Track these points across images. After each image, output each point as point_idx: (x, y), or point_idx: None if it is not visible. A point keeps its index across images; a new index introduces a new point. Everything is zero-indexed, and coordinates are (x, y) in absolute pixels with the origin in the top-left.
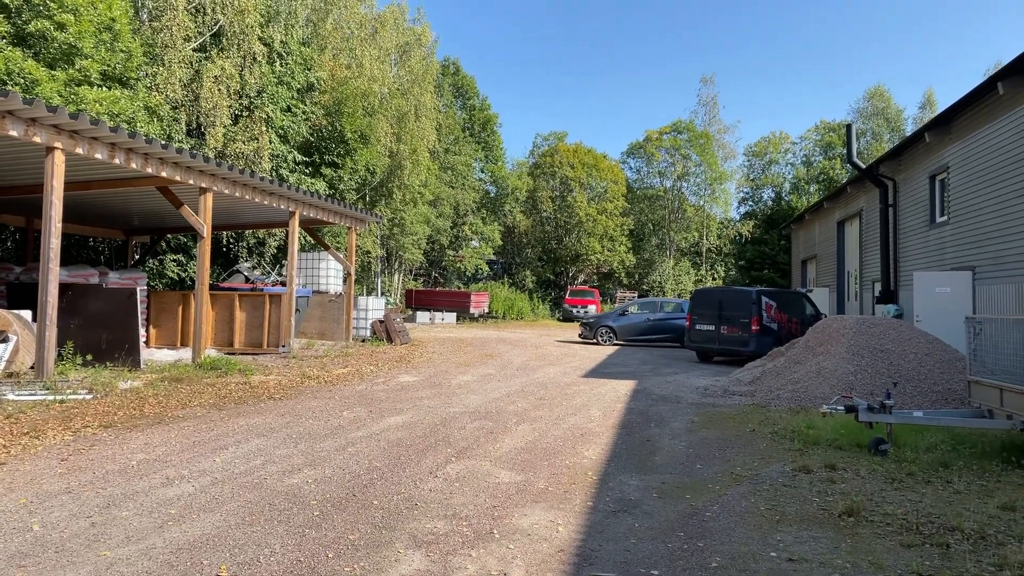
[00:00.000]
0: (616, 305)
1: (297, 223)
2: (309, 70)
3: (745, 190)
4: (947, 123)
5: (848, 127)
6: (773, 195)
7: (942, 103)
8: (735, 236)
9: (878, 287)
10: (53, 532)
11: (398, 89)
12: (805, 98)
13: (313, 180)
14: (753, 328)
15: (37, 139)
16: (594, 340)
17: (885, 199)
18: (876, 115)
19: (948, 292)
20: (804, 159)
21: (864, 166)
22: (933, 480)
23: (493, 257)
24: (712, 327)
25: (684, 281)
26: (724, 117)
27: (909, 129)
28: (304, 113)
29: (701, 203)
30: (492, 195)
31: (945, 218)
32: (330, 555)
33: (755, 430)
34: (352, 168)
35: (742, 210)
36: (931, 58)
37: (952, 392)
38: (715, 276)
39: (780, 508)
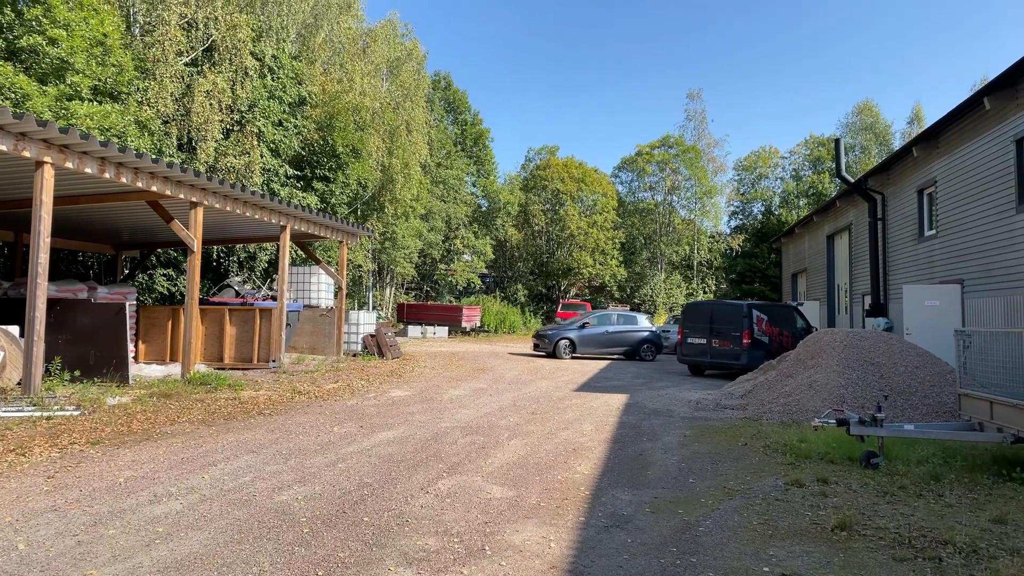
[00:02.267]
0: (566, 319)
1: (288, 237)
2: (300, 84)
3: (735, 204)
4: (935, 137)
5: (837, 142)
6: (763, 209)
7: (930, 118)
8: (726, 250)
9: (868, 300)
10: (39, 551)
11: (389, 103)
12: (795, 113)
13: (304, 194)
14: (744, 342)
15: (26, 153)
16: (552, 353)
17: (874, 213)
18: (865, 130)
19: (937, 305)
20: (794, 173)
21: (853, 180)
22: (925, 493)
23: (485, 271)
24: (703, 341)
25: (675, 294)
26: (713, 131)
27: (897, 143)
28: (296, 127)
29: (691, 217)
30: (484, 209)
31: (933, 232)
32: (320, 573)
33: (747, 444)
34: (344, 182)
35: (732, 224)
36: (919, 73)
37: (943, 405)
38: (706, 289)
39: (773, 522)
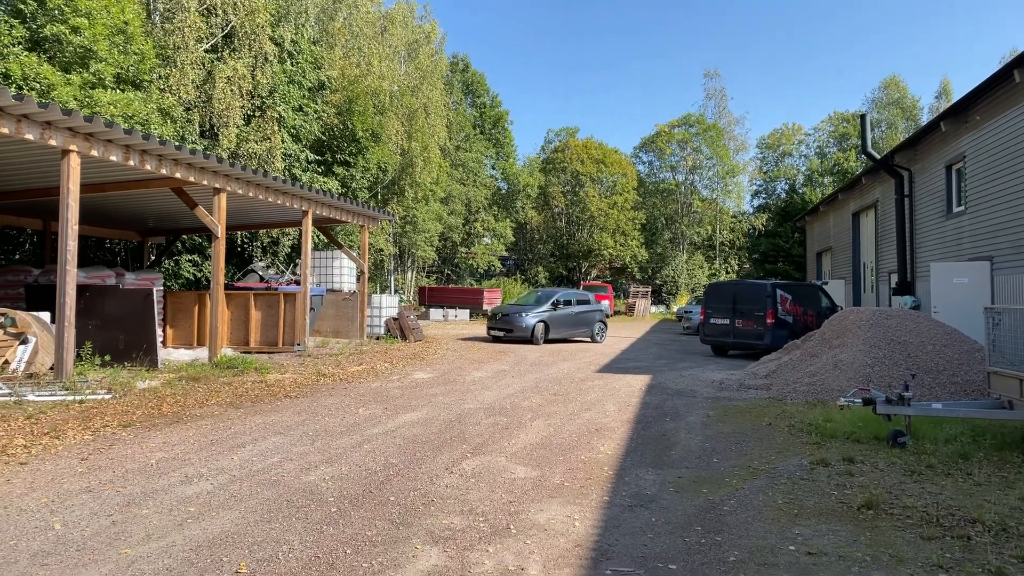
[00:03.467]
0: (529, 293)
1: (310, 222)
2: (319, 69)
3: (758, 183)
4: (963, 112)
5: (863, 117)
6: (787, 187)
7: (958, 92)
8: (748, 229)
9: (894, 278)
10: (74, 531)
11: (408, 86)
12: (818, 90)
13: (325, 179)
14: (768, 321)
15: (53, 142)
16: (528, 339)
17: (901, 189)
18: (891, 105)
19: (966, 283)
20: (818, 151)
21: (879, 156)
22: (953, 472)
23: (505, 253)
24: (726, 321)
25: (697, 275)
26: (733, 109)
27: (925, 119)
28: (315, 112)
29: (713, 197)
30: (504, 191)
31: (962, 208)
32: (348, 551)
33: (772, 424)
34: (364, 166)
35: (755, 203)
36: (946, 47)
37: (971, 383)
38: (728, 270)
39: (798, 502)
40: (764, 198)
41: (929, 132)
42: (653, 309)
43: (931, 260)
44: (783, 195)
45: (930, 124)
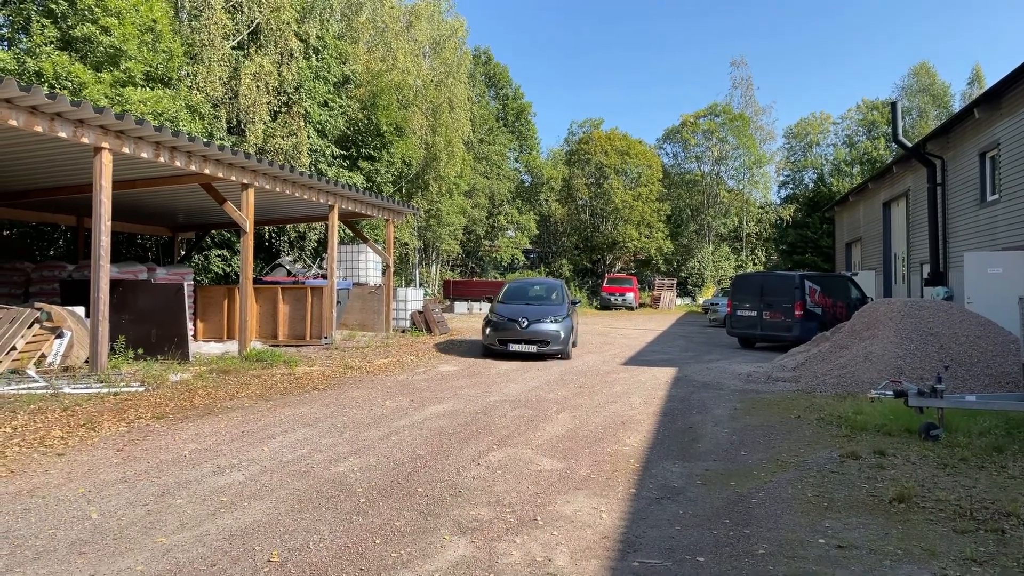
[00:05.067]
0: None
1: (336, 216)
2: (344, 63)
3: (785, 173)
4: (997, 98)
5: (893, 105)
6: (814, 178)
7: (990, 78)
8: (776, 220)
9: (926, 269)
10: (111, 520)
11: (432, 81)
12: (846, 78)
13: (351, 173)
14: (796, 313)
15: (85, 140)
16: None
17: (933, 178)
18: (921, 92)
19: (1000, 272)
20: (846, 139)
21: (911, 145)
22: (987, 465)
23: (529, 246)
24: (754, 313)
25: (723, 267)
26: (759, 98)
27: (957, 106)
28: (340, 107)
29: (740, 187)
30: (527, 184)
31: (996, 196)
32: (377, 541)
33: (800, 416)
34: (388, 161)
35: (783, 194)
36: (977, 33)
37: (1006, 376)
38: (755, 261)
39: (828, 495)
40: (791, 188)
41: (962, 119)
42: (679, 301)
43: (964, 250)
44: (810, 185)
45: (963, 111)
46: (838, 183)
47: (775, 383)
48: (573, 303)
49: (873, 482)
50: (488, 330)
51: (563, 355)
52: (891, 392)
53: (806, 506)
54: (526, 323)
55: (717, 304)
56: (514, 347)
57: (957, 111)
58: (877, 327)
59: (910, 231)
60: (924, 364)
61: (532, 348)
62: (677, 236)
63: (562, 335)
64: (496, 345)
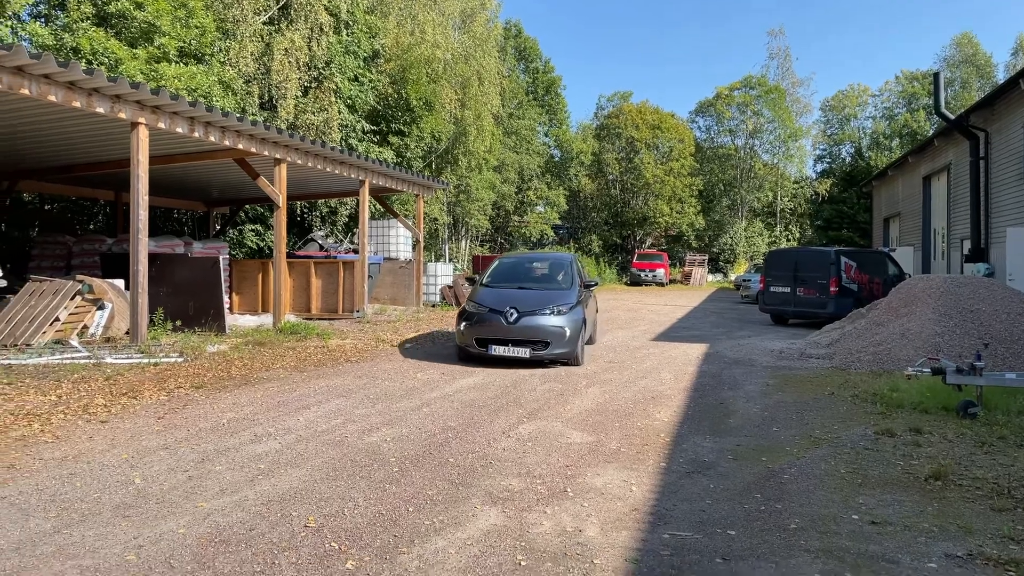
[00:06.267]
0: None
1: (367, 191)
2: (374, 38)
3: (822, 147)
4: None
5: (935, 76)
6: (852, 151)
7: None
8: (811, 195)
9: (967, 245)
10: (153, 485)
11: (461, 55)
12: (884, 49)
13: (381, 149)
14: (832, 289)
15: (122, 115)
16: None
17: (976, 151)
18: (964, 63)
19: None
20: (885, 112)
21: (953, 117)
22: None
23: (558, 222)
24: (787, 289)
25: (756, 243)
26: (797, 70)
27: (1001, 77)
28: (371, 82)
29: (775, 161)
30: (557, 159)
31: None
32: (410, 509)
33: (834, 393)
34: (418, 136)
35: (819, 168)
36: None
37: None
38: (790, 237)
39: (862, 471)
40: (828, 163)
41: (1007, 91)
42: (710, 278)
43: (1007, 225)
44: (848, 159)
45: (1008, 82)
46: (876, 157)
47: (808, 360)
48: (587, 286)
49: (908, 459)
50: (462, 324)
51: (570, 359)
52: (928, 369)
53: (839, 482)
54: (515, 316)
55: (749, 280)
56: (497, 350)
57: (1002, 82)
58: (915, 304)
59: (951, 206)
60: (963, 342)
61: (523, 352)
62: (709, 211)
63: (567, 332)
64: (473, 347)
